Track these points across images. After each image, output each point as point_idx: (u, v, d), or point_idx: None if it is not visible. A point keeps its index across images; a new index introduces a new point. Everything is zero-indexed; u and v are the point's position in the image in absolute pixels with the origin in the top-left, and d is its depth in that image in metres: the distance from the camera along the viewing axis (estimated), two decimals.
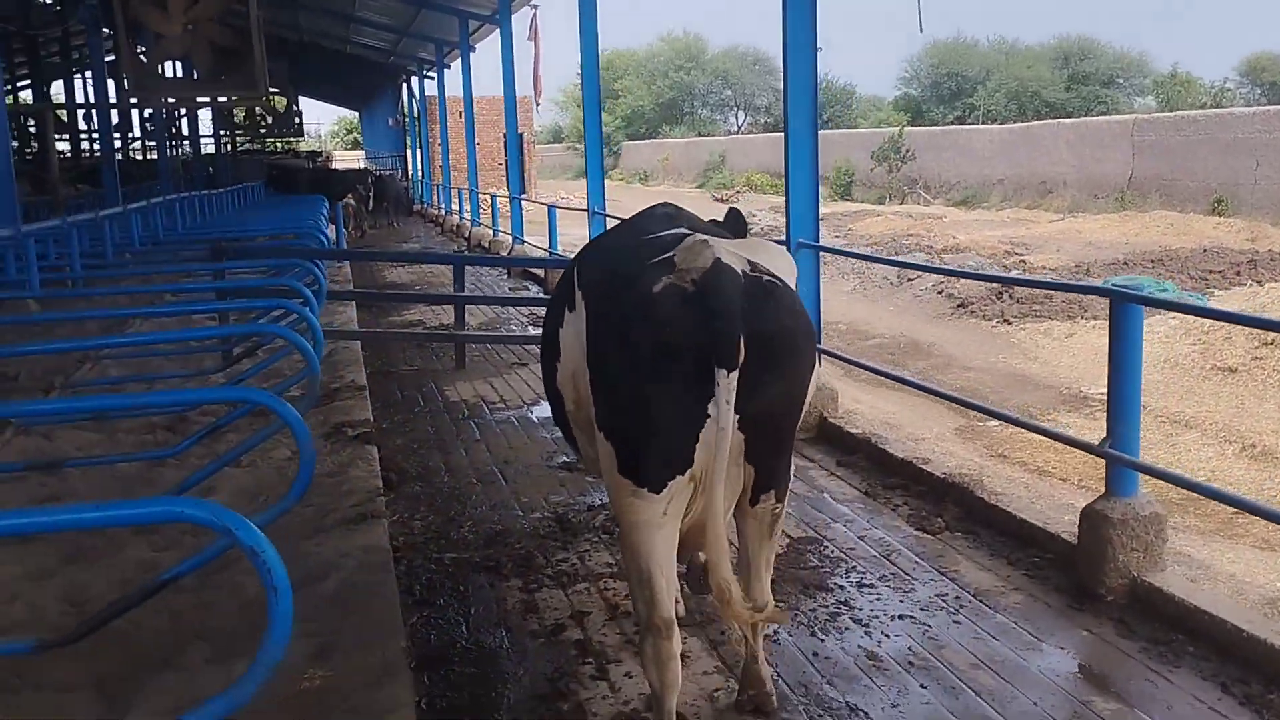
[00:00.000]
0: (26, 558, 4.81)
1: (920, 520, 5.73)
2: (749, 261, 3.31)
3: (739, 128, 71.17)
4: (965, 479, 5.94)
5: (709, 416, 3.12)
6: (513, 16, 20.52)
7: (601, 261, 3.63)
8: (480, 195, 26.80)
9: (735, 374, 3.05)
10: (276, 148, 45.19)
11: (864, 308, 14.53)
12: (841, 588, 4.91)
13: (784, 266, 3.62)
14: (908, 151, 41.18)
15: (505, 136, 20.58)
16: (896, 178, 41.37)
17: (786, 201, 7.57)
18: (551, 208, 16.29)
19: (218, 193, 18.31)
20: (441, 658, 4.34)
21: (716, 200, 42.10)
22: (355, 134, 76.23)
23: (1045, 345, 11.77)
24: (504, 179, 43.31)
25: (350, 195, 26.46)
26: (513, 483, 6.65)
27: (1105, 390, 4.84)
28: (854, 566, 5.15)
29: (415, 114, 37.07)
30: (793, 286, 3.53)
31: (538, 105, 20.74)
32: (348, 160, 56.94)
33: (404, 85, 39.13)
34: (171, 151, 30.94)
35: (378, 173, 33.00)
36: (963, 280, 14.55)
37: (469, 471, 6.91)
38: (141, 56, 13.64)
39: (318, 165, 34.20)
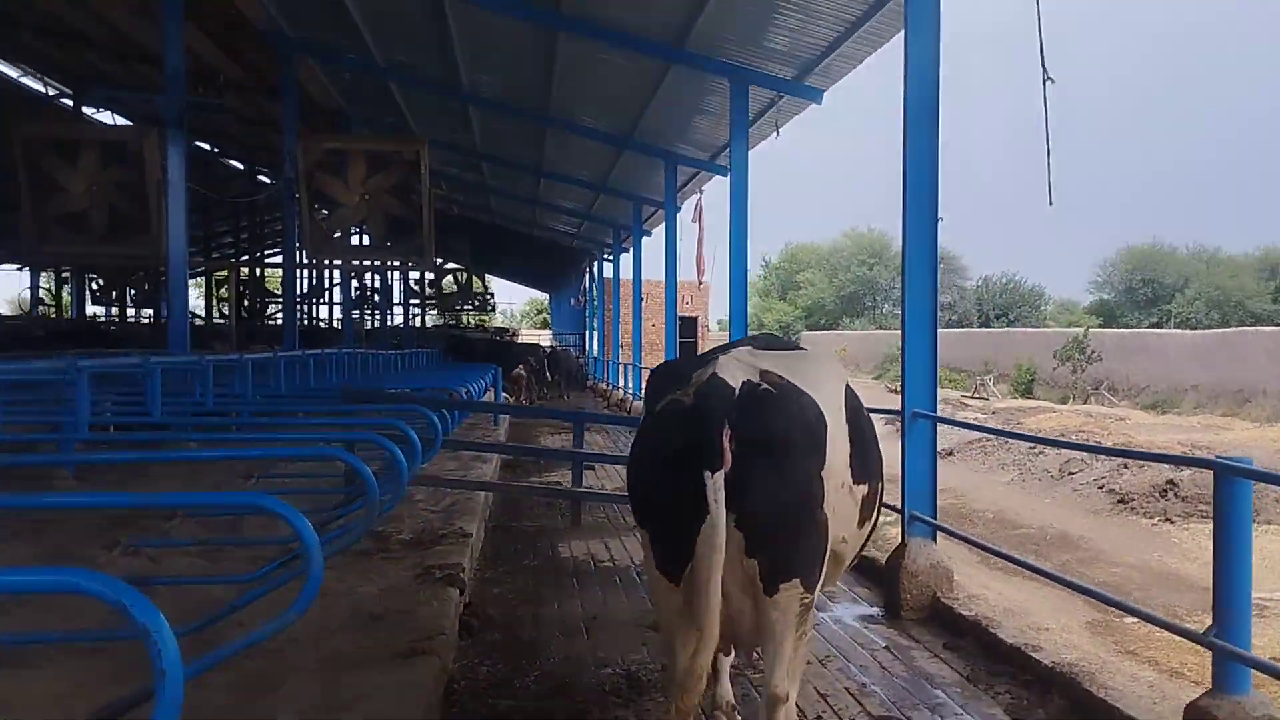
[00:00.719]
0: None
1: (1019, 710, 5.21)
2: (762, 372, 3.71)
3: None
4: (1074, 671, 5.39)
5: (708, 513, 3.40)
6: (683, 204, 21.18)
7: (657, 385, 4.07)
8: (644, 370, 27.16)
9: (720, 474, 3.39)
10: (468, 323, 47.33)
11: (1019, 499, 13.81)
12: None
13: (822, 374, 3.97)
14: (1093, 353, 39.85)
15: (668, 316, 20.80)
16: (1081, 378, 39.94)
17: (902, 371, 7.32)
18: None
19: (389, 353, 19.08)
20: None
21: (890, 391, 41.52)
22: (545, 314, 79.10)
23: (1208, 547, 10.69)
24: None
25: (522, 366, 27.29)
26: (594, 637, 6.41)
27: (1272, 596, 4.37)
28: None
29: (594, 295, 38.25)
30: (832, 393, 3.89)
31: (700, 284, 21.01)
32: (535, 337, 59.09)
33: (586, 269, 40.56)
34: (370, 322, 32.78)
35: (552, 348, 33.98)
36: (1125, 475, 13.68)
37: (555, 624, 6.71)
38: (323, 224, 14.57)
39: (499, 339, 35.43)
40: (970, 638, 6.37)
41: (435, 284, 35.72)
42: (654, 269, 27.00)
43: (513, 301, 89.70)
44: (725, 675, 4.80)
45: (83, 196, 14.02)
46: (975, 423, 14.75)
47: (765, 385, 3.66)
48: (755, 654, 4.67)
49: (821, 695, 5.42)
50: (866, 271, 71.69)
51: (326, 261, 17.24)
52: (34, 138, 13.87)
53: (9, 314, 37.01)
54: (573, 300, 43.56)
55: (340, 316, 35.78)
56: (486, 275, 68.17)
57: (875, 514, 4.30)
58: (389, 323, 33.44)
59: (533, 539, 9.46)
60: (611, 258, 32.33)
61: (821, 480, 3.63)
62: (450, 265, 35.40)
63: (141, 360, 8.18)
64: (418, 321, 38.29)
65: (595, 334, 38.59)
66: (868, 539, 4.39)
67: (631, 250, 26.29)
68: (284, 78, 17.25)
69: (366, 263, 16.31)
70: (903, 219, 7.23)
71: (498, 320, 73.74)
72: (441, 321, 45.79)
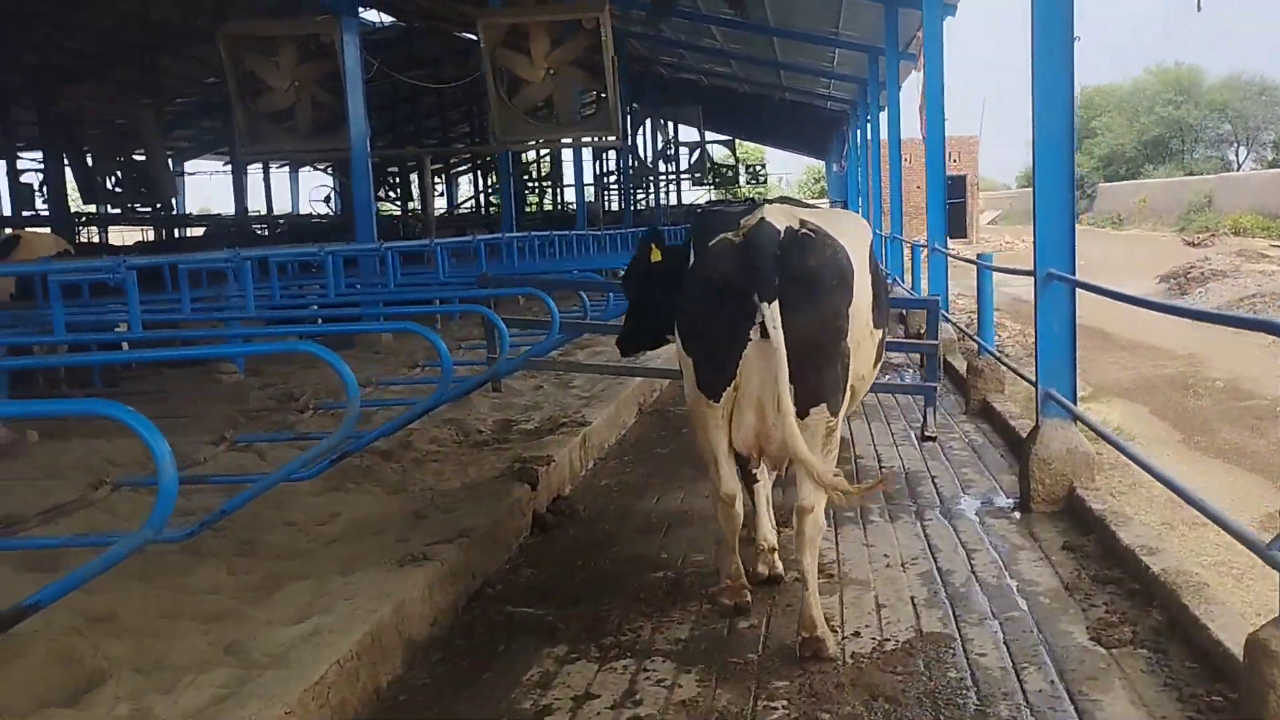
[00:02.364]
0: None
1: (1105, 628, 4.37)
2: (800, 220, 4.17)
3: (1239, 165, 63.59)
4: (1181, 580, 4.46)
5: (749, 340, 4.03)
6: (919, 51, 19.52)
7: (700, 230, 4.51)
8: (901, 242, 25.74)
9: (776, 303, 3.92)
10: (735, 197, 46.75)
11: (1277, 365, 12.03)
12: (917, 703, 3.80)
13: (851, 229, 4.47)
14: None
15: (904, 178, 19.45)
16: None
17: (1034, 222, 6.27)
18: (913, 247, 15.22)
19: (609, 232, 18.93)
20: None
21: (1187, 244, 37.81)
22: (823, 182, 77.16)
23: None
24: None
25: None
26: (672, 534, 5.96)
27: None
28: (961, 680, 3.99)
29: (853, 159, 36.63)
30: (859, 246, 4.38)
31: (923, 137, 19.45)
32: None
33: (848, 131, 38.83)
34: (611, 202, 32.88)
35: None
36: None
37: (640, 519, 6.31)
38: (511, 104, 14.36)
39: (740, 211, 34.54)
40: (1094, 536, 5.47)
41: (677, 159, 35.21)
42: (911, 126, 25.32)
43: (788, 171, 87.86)
44: (764, 515, 5.12)
45: (286, 93, 14.43)
46: (1156, 300, 12.95)
47: (805, 230, 4.13)
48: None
49: (879, 606, 4.77)
50: (1173, 111, 64.90)
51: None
52: (236, 37, 14.32)
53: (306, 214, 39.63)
54: (835, 166, 41.96)
55: (592, 200, 36.19)
56: (760, 147, 67.12)
57: (881, 359, 4.89)
58: (642, 202, 33.40)
59: (680, 425, 9.05)
60: (865, 118, 30.64)
61: (848, 316, 4.14)
62: (695, 139, 34.71)
63: (231, 258, 8.30)
64: (674, 198, 38.08)
65: (859, 199, 37.04)
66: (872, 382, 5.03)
67: (871, 106, 24.71)
68: None
69: (565, 140, 16.04)
70: (1031, 37, 6.12)
71: (776, 191, 72.73)
72: (716, 197, 45.49)
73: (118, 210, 22.82)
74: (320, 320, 8.49)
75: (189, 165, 42.33)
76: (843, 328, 4.13)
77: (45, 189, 20.99)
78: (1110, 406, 10.07)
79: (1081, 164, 65.81)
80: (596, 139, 15.39)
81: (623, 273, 5.94)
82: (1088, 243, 37.79)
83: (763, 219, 4.09)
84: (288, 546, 5.31)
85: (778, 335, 3.88)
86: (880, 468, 7.39)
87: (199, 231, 31.56)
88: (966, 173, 40.26)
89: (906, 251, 22.65)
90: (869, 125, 29.23)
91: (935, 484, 6.91)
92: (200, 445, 7.07)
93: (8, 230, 15.08)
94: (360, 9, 31.60)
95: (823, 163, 66.27)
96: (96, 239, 28.00)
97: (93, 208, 22.84)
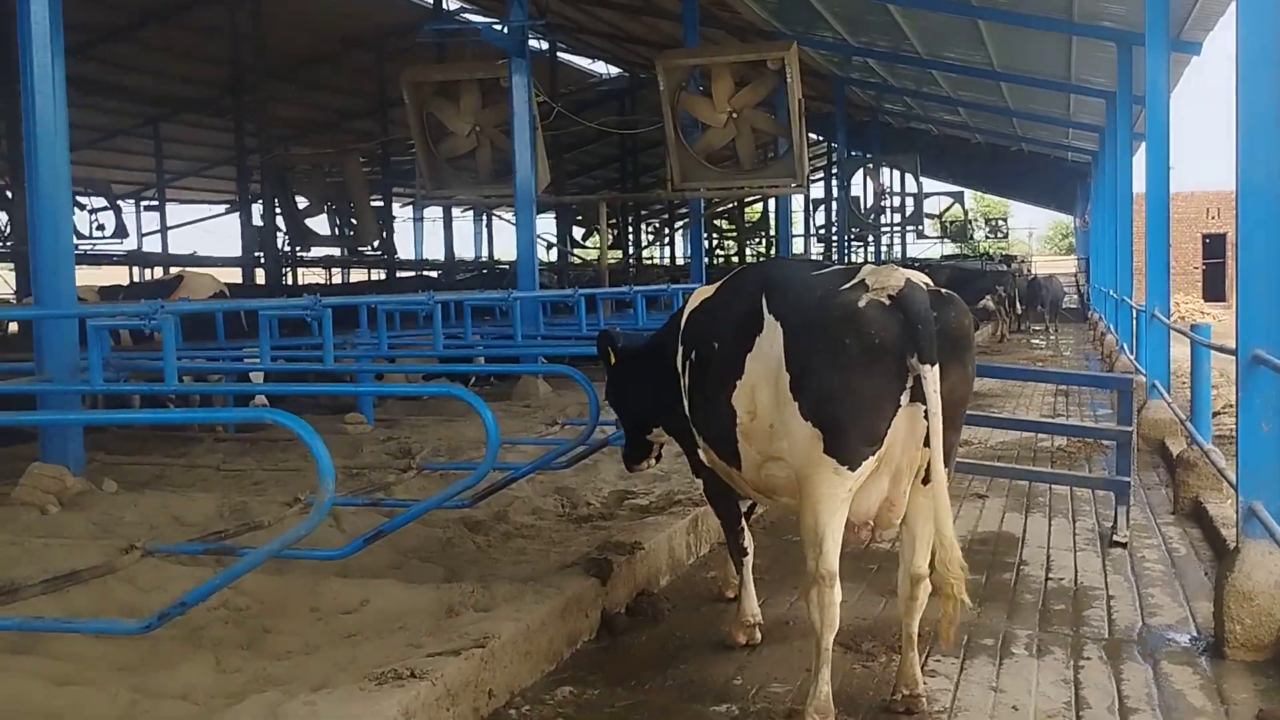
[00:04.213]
0: None
1: None
2: (926, 280, 4.03)
3: None
4: None
5: (900, 406, 3.85)
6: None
7: (789, 293, 4.16)
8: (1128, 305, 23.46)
9: (937, 366, 3.76)
10: (977, 251, 44.66)
11: None
12: None
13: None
14: None
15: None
16: None
17: (1238, 289, 4.97)
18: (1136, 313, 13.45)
19: None
20: None
21: None
22: (1071, 238, 73.05)
23: None
24: (1198, 284, 38.40)
25: (989, 297, 24.86)
26: (759, 652, 4.94)
27: None
28: None
29: (1097, 212, 34.13)
30: None
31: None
32: (1058, 264, 54.58)
33: (1091, 182, 36.35)
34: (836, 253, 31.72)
35: (1034, 275, 30.67)
36: None
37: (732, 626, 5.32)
38: (690, 148, 13.65)
39: (965, 267, 32.24)
40: None
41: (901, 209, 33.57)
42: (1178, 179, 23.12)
43: (1034, 225, 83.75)
44: (751, 586, 5.09)
45: (467, 138, 14.24)
46: None
47: (945, 291, 4.07)
48: None
49: None
50: None
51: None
52: (420, 83, 14.24)
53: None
54: (1078, 221, 39.31)
55: (820, 249, 35.08)
56: (1004, 200, 64.36)
57: None
58: (861, 254, 32.05)
59: None
60: (1107, 168, 28.41)
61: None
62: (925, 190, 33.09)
63: (311, 303, 7.86)
64: (898, 250, 36.50)
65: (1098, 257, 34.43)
66: None
67: (1102, 153, 22.71)
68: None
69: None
70: (1235, 50, 4.87)
71: (1019, 247, 69.47)
72: (954, 252, 43.61)
73: (329, 253, 23.59)
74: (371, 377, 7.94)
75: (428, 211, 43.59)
76: (972, 388, 4.19)
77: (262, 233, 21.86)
78: None
79: None
80: (779, 187, 14.47)
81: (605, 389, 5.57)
82: None
83: (909, 280, 3.92)
84: (297, 639, 4.65)
85: (936, 400, 3.75)
86: (1047, 580, 6.10)
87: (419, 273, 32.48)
88: (1227, 230, 36.74)
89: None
90: (1115, 175, 27.11)
91: (1110, 606, 5.60)
92: (276, 505, 6.58)
93: (174, 269, 15.40)
94: (591, 60, 32.16)
95: (1070, 217, 62.72)
96: (322, 279, 29.26)
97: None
